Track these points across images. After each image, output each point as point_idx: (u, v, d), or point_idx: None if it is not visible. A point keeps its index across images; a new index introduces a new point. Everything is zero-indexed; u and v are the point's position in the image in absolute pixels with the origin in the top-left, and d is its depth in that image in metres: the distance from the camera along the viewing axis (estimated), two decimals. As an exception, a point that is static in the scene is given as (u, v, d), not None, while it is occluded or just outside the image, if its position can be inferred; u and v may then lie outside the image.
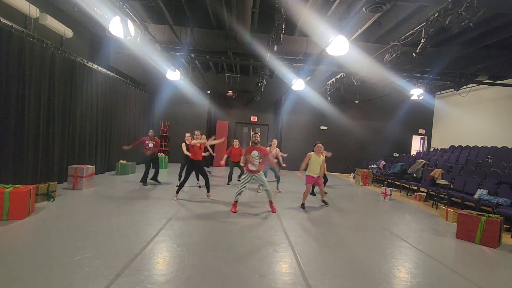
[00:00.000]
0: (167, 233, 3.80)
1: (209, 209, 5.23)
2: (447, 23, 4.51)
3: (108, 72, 8.45)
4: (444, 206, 5.95)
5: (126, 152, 8.86)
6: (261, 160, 5.15)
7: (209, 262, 3.02)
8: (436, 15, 4.72)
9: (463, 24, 4.30)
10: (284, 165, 7.24)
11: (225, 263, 3.04)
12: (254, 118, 13.47)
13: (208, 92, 12.85)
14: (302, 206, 5.88)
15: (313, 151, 5.92)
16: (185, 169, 6.07)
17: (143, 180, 6.99)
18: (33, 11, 6.05)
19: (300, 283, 2.73)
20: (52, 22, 6.69)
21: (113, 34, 5.41)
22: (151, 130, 7.29)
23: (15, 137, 5.10)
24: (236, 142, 7.66)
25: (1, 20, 4.75)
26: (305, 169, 5.86)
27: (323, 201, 6.24)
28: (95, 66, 7.66)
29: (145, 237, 3.60)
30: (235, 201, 5.21)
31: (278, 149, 7.42)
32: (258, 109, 13.37)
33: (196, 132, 6.02)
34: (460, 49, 7.49)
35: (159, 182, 7.33)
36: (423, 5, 5.84)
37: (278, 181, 7.47)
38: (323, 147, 5.94)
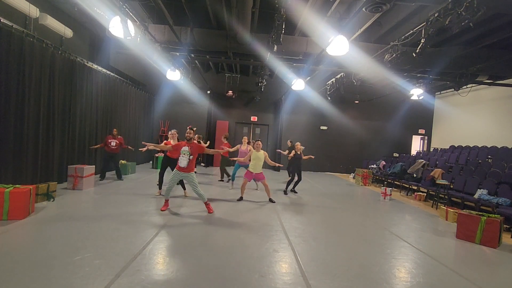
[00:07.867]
0: (167, 233, 3.80)
1: (209, 209, 5.22)
2: (447, 23, 4.51)
3: (108, 72, 8.45)
4: (444, 206, 5.95)
5: (126, 152, 8.86)
6: (191, 157, 4.71)
7: (209, 262, 3.02)
8: (436, 15, 4.72)
9: (463, 24, 4.29)
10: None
11: (225, 263, 3.04)
12: (254, 118, 13.47)
13: (208, 92, 12.85)
14: (240, 198, 6.08)
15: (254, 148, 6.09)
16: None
17: (101, 176, 7.19)
18: (33, 11, 6.05)
19: (300, 283, 2.73)
20: (52, 22, 6.69)
21: (113, 34, 5.41)
22: (115, 129, 7.36)
23: (15, 137, 5.09)
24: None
25: (1, 20, 4.74)
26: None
27: (270, 199, 6.15)
28: (95, 66, 7.65)
29: (145, 237, 3.60)
30: (165, 200, 4.94)
31: (251, 147, 7.10)
32: (258, 109, 13.37)
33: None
34: (460, 49, 7.49)
35: (121, 179, 7.41)
36: (423, 5, 5.84)
37: (232, 178, 7.46)
38: (261, 144, 6.18)
